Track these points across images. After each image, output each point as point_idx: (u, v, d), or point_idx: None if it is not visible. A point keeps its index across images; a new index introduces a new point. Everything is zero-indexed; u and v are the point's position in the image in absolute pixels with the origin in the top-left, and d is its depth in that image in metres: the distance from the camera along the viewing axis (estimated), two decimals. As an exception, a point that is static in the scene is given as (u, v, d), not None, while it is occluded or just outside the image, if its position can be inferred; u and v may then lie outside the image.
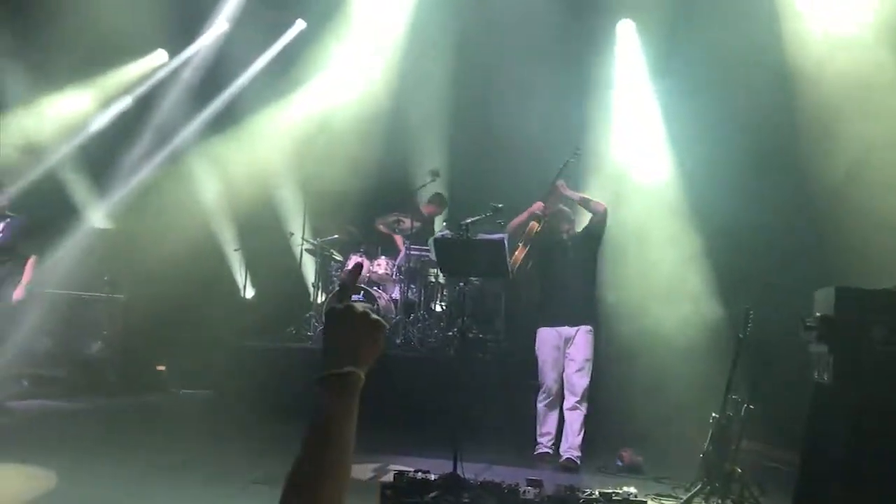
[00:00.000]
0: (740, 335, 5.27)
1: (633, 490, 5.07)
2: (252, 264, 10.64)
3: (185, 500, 4.94)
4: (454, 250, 5.48)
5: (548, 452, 6.55)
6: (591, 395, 6.57)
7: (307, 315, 9.54)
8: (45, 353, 8.31)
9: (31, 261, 8.02)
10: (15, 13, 9.32)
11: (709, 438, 5.31)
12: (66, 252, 8.98)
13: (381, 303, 8.98)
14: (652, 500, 5.25)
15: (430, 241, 7.58)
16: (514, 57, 9.16)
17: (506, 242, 5.76)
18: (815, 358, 4.08)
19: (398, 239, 9.76)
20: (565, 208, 6.92)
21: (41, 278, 8.39)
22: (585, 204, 6.87)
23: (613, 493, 5.00)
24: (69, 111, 10.36)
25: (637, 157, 8.92)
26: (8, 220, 7.97)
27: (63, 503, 4.72)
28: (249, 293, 10.77)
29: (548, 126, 8.93)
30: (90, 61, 10.00)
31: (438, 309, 9.34)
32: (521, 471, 5.81)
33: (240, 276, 10.73)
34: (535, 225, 6.78)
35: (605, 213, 6.72)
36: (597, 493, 5.00)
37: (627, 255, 8.19)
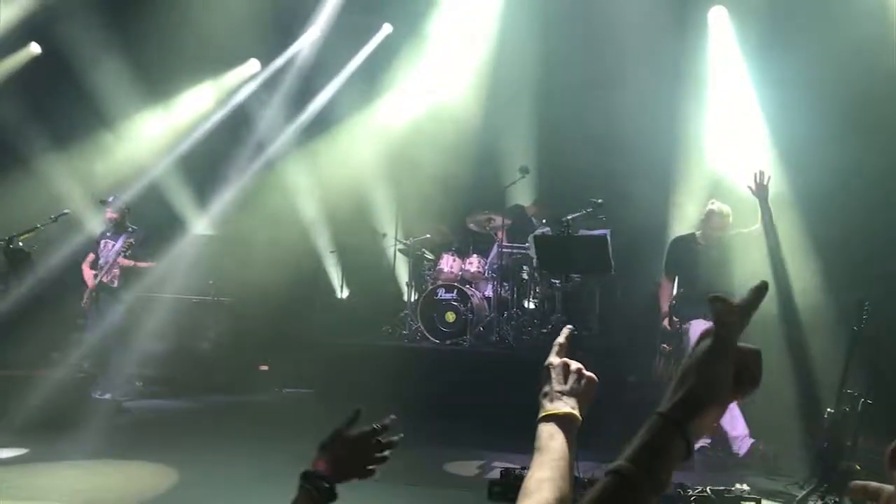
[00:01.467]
0: (854, 327, 5.10)
1: (745, 487, 4.97)
2: (348, 265, 10.86)
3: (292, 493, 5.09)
4: (555, 247, 5.47)
5: (704, 446, 6.36)
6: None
7: (401, 314, 9.70)
8: (158, 354, 8.67)
9: (149, 264, 8.51)
10: (118, 28, 9.75)
11: (824, 435, 5.16)
12: (174, 259, 9.36)
13: (475, 301, 9.03)
14: (766, 498, 5.13)
15: (531, 238, 7.56)
16: (603, 50, 9.07)
17: (608, 238, 5.72)
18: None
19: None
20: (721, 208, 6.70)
21: (152, 284, 8.81)
22: (765, 208, 6.40)
23: (725, 490, 4.91)
24: (171, 122, 10.82)
25: (734, 143, 8.71)
26: (129, 231, 8.42)
27: (187, 499, 4.94)
28: (345, 294, 11.01)
29: (638, 119, 8.82)
30: (191, 72, 10.42)
31: (531, 306, 9.35)
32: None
33: (336, 277, 10.98)
34: (666, 347, 6.61)
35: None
36: (708, 490, 4.91)
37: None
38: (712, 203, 6.69)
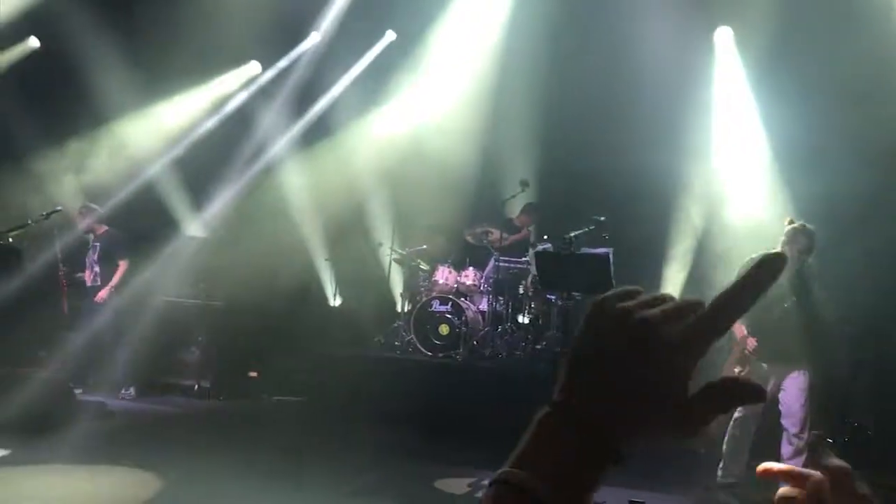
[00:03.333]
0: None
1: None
2: (341, 274, 10.76)
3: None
4: (556, 264, 5.37)
5: (735, 483, 5.85)
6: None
7: (394, 325, 9.58)
8: (146, 357, 8.53)
9: (122, 266, 8.52)
10: (119, 25, 9.65)
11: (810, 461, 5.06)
12: (166, 261, 9.23)
13: (469, 314, 8.93)
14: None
15: (532, 253, 7.47)
16: (609, 65, 9.02)
17: (610, 257, 5.61)
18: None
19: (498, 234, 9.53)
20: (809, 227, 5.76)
21: (143, 286, 8.70)
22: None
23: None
24: (168, 122, 10.72)
25: (738, 161, 8.71)
26: (104, 234, 8.57)
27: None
28: (337, 302, 10.90)
29: (643, 134, 8.77)
30: (190, 72, 10.33)
31: (526, 321, 9.25)
32: (621, 491, 5.66)
33: (330, 285, 10.87)
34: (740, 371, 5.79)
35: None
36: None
37: (726, 264, 7.98)
38: (797, 222, 5.79)
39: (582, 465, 0.68)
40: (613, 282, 5.20)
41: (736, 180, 8.71)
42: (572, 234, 5.32)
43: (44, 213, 8.00)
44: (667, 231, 9.37)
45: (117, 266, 8.52)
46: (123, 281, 8.55)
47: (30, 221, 7.88)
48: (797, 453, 5.57)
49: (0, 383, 6.60)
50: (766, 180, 8.50)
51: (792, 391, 5.64)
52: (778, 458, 5.60)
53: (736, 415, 5.80)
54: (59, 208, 8.20)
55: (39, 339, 8.23)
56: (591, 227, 5.66)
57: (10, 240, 7.69)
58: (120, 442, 6.54)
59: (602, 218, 5.69)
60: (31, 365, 7.53)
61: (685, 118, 8.97)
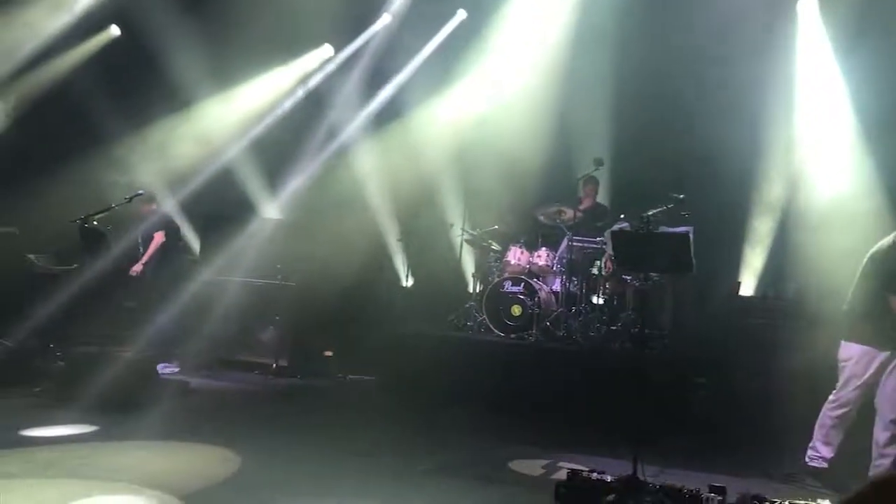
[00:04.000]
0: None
1: (827, 502, 4.70)
2: (413, 254, 10.80)
3: (364, 487, 5.01)
4: (634, 244, 5.19)
5: (824, 468, 5.65)
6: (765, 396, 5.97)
7: (467, 305, 9.55)
8: (225, 337, 8.75)
9: (156, 238, 8.81)
10: (195, 11, 9.84)
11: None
12: (243, 242, 9.42)
13: (542, 295, 8.84)
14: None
15: (607, 233, 7.33)
16: (685, 37, 8.75)
17: (691, 236, 5.41)
18: None
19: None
20: None
21: (220, 267, 8.91)
22: None
23: (805, 504, 4.65)
24: (243, 105, 10.91)
25: (822, 142, 8.35)
26: (150, 214, 8.92)
27: (250, 485, 4.90)
28: (409, 282, 10.96)
29: (721, 109, 8.49)
30: (264, 56, 10.48)
31: (600, 302, 9.09)
32: (699, 475, 5.53)
33: (402, 266, 10.94)
34: None
35: None
36: (787, 503, 4.66)
37: (810, 243, 7.68)
38: None
39: None
40: (693, 262, 5.02)
41: (819, 155, 8.36)
42: (650, 213, 5.15)
43: (126, 197, 8.24)
44: (748, 209, 9.07)
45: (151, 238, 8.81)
46: (160, 253, 8.81)
47: (113, 205, 8.12)
48: (893, 440, 5.34)
49: (88, 363, 6.86)
50: (850, 154, 8.15)
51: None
52: (870, 445, 5.39)
53: (831, 397, 5.60)
54: (140, 192, 8.44)
55: (124, 320, 8.51)
56: (670, 206, 5.49)
57: (95, 223, 7.94)
58: (201, 419, 6.71)
59: (681, 196, 5.51)
60: (116, 344, 7.80)
61: (766, 92, 8.65)
